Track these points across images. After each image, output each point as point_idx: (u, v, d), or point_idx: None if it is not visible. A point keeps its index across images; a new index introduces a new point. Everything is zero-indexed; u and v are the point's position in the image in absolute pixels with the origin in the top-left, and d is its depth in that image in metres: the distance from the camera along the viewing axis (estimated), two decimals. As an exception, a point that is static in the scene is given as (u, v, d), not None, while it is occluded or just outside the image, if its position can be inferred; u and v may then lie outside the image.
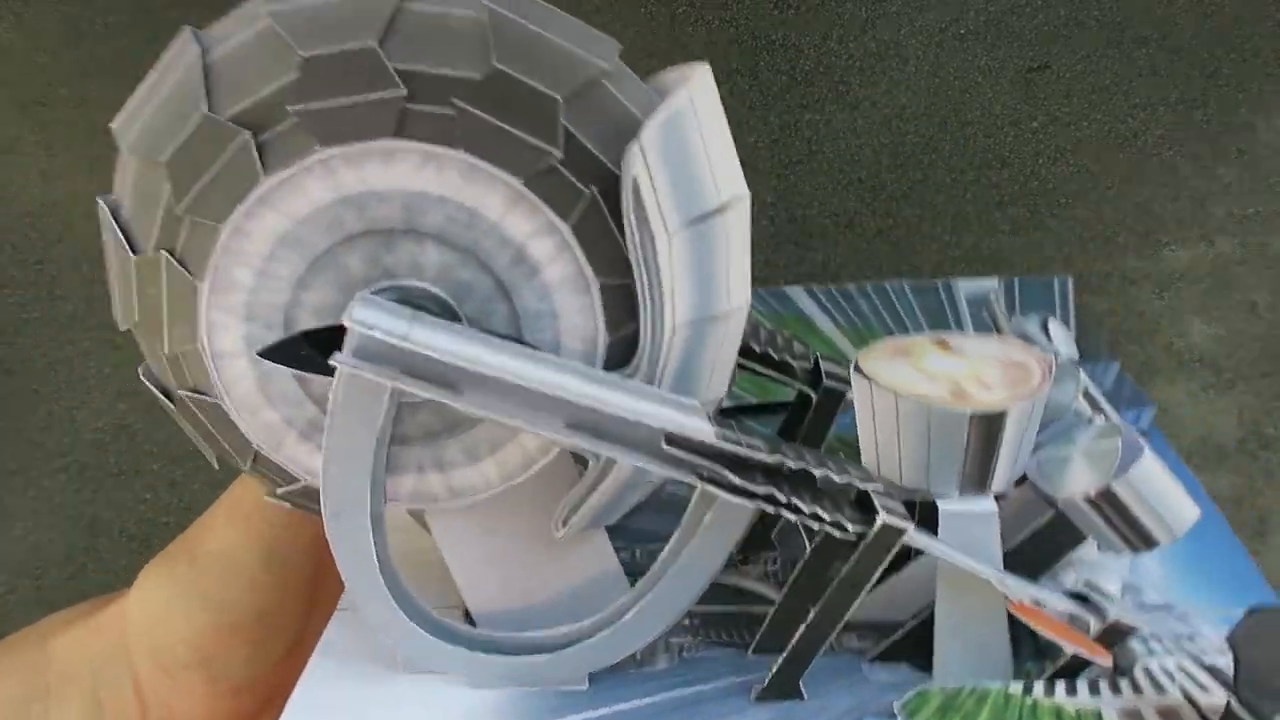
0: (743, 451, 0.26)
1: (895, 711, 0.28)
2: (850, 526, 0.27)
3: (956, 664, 0.29)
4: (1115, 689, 0.28)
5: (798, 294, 0.43)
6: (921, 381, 0.28)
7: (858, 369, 0.29)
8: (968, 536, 0.28)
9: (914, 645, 0.30)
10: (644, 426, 0.26)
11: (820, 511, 0.27)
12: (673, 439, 0.26)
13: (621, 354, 0.27)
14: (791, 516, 0.27)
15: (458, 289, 0.26)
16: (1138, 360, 1.17)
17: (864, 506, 0.27)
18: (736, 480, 0.26)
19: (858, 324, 0.42)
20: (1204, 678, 0.28)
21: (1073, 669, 0.29)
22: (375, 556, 0.27)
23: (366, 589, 0.27)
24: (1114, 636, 0.28)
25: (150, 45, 0.27)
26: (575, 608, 0.29)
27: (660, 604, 0.28)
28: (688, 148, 0.25)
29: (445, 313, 0.26)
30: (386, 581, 0.27)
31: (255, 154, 0.25)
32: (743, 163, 0.27)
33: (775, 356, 0.33)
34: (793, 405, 0.35)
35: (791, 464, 0.27)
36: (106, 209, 0.27)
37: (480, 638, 0.29)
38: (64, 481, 1.13)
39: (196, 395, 0.28)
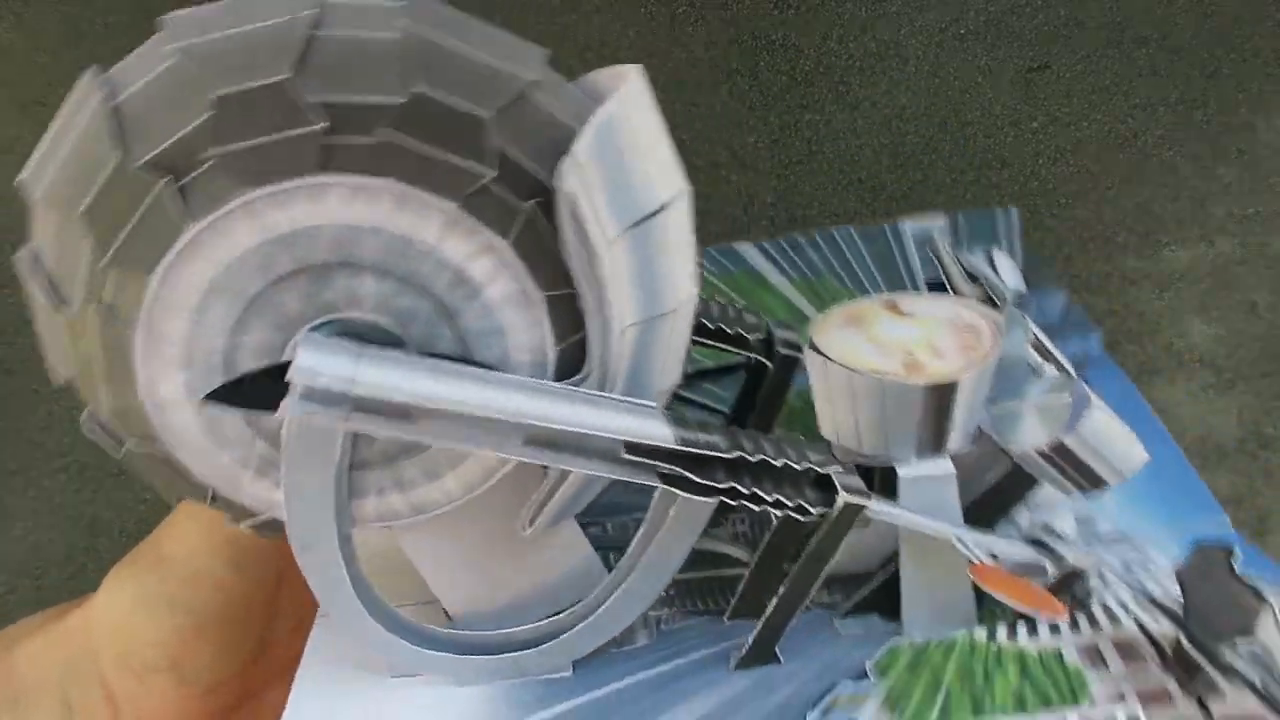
0: (702, 451, 0.26)
1: (867, 670, 0.29)
2: (813, 510, 0.27)
3: (924, 617, 0.30)
4: (1074, 626, 0.29)
5: (748, 250, 0.43)
6: (874, 353, 0.29)
7: (812, 345, 0.29)
8: (928, 498, 0.29)
9: (884, 595, 0.30)
10: (602, 438, 0.26)
11: (782, 498, 0.27)
12: (632, 447, 0.26)
13: (572, 360, 0.26)
14: (755, 507, 0.27)
15: (400, 316, 0.25)
16: (1137, 360, 1.17)
17: (824, 486, 0.28)
18: (698, 479, 0.26)
19: (809, 276, 0.42)
20: (1156, 610, 0.29)
21: None
22: (349, 580, 0.27)
23: (344, 612, 0.27)
24: (1070, 580, 0.29)
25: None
26: (554, 598, 0.29)
27: (634, 591, 0.28)
28: (621, 154, 0.25)
29: (389, 341, 0.25)
30: (363, 600, 0.27)
31: (177, 201, 0.23)
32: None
33: (729, 331, 0.33)
34: (748, 374, 0.35)
35: (750, 457, 0.27)
36: (26, 261, 0.25)
37: (463, 640, 0.29)
38: (64, 481, 1.14)
39: (145, 444, 0.27)
